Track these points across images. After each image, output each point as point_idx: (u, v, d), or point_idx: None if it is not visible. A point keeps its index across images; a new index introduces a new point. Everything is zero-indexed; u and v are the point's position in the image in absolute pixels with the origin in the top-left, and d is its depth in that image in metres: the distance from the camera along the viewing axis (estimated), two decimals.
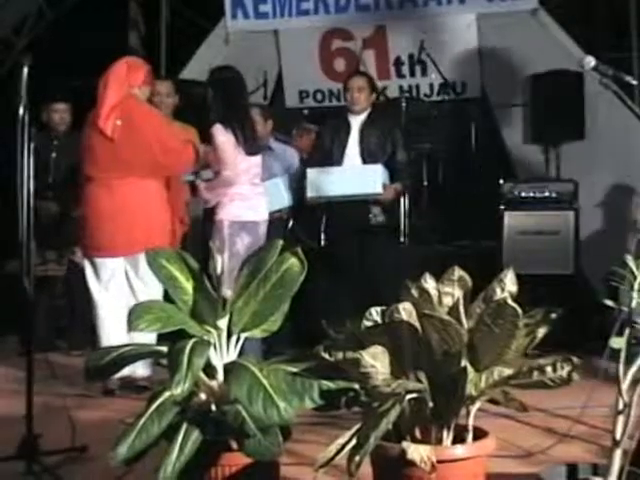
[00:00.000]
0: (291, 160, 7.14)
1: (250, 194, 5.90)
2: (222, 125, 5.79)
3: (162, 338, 3.19)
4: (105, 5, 9.36)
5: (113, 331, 5.53)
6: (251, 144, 5.89)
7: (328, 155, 6.61)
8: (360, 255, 6.43)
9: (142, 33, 10.32)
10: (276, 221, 6.64)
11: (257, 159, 5.98)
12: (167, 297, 3.34)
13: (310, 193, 6.47)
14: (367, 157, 6.49)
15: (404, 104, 7.97)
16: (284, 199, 6.69)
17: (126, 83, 5.67)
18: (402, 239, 7.22)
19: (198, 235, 6.55)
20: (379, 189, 6.30)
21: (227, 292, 5.85)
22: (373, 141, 6.54)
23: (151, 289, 5.47)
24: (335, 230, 6.68)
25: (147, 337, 5.35)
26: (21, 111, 3.92)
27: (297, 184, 6.77)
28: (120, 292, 5.66)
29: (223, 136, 5.78)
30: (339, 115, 6.87)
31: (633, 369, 2.92)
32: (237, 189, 5.85)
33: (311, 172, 6.48)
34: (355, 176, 6.43)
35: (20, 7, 9.75)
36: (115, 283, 5.66)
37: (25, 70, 3.97)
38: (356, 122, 6.60)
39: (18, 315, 4.32)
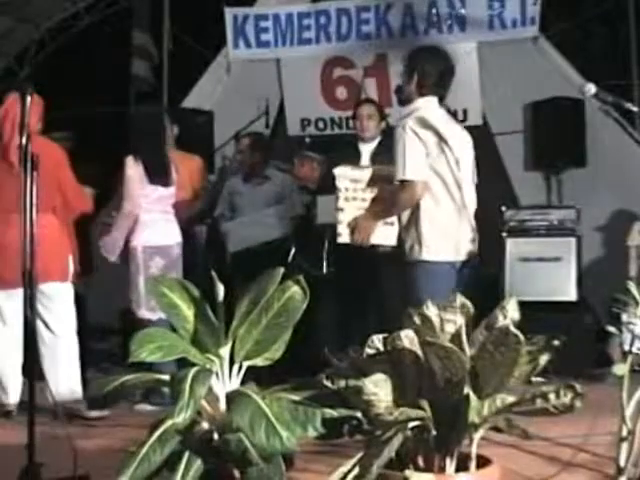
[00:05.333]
0: (287, 188, 7.13)
1: (160, 221, 6.09)
2: (133, 158, 5.96)
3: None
4: (108, 34, 9.41)
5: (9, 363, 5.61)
6: (163, 177, 6.07)
7: None
8: (364, 282, 6.41)
9: (154, 61, 10.32)
10: (275, 249, 6.64)
11: (171, 190, 6.13)
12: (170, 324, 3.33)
13: (321, 219, 6.44)
14: None
15: None
16: (279, 228, 6.70)
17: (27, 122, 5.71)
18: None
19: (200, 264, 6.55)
20: None
21: (145, 313, 5.99)
22: None
23: (60, 317, 5.68)
24: (339, 257, 6.65)
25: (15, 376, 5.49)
26: (23, 141, 3.92)
27: (295, 212, 6.76)
28: (19, 325, 5.62)
29: (131, 169, 5.97)
30: (348, 143, 6.85)
31: (637, 396, 2.91)
32: (148, 217, 6.02)
33: (322, 198, 6.45)
34: None
35: (22, 36, 9.80)
36: (15, 316, 5.60)
37: (27, 99, 3.97)
38: (366, 150, 6.58)
39: None
